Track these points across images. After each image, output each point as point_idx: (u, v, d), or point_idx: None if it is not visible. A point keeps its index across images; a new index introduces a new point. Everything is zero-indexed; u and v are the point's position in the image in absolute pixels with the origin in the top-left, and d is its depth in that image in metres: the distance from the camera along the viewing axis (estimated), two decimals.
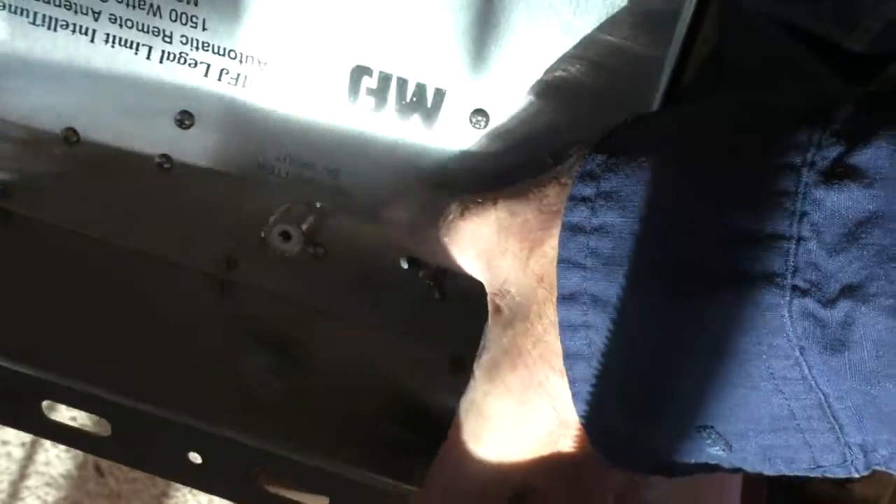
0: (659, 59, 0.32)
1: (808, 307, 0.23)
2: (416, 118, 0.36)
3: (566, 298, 0.27)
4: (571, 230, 0.27)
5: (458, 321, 0.37)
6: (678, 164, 0.26)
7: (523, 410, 0.29)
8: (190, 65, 0.37)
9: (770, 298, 0.23)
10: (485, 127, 0.35)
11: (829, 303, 0.23)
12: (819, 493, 0.93)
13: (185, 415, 0.34)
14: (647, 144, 0.26)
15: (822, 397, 0.24)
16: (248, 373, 0.38)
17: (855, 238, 0.23)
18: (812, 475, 0.27)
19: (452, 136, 0.36)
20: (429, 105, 0.35)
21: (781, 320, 0.23)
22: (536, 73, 0.34)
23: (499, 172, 0.36)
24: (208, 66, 0.37)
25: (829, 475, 0.26)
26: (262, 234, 0.37)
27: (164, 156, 0.39)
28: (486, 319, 0.32)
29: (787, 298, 0.23)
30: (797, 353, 0.23)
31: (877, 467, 0.25)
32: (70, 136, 0.39)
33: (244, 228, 0.39)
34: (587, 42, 0.33)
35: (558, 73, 0.34)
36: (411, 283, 0.37)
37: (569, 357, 0.27)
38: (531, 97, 0.35)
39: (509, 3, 0.33)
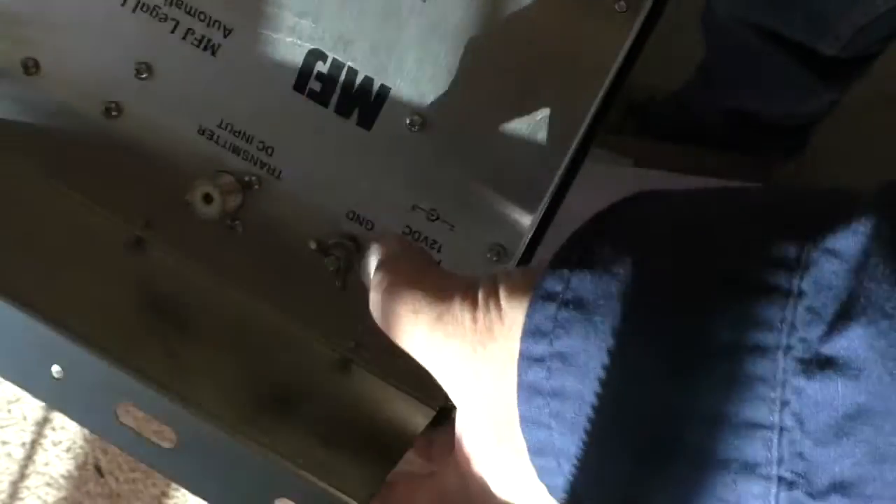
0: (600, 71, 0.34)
1: (796, 499, 0.22)
2: (357, 112, 0.37)
3: (536, 451, 0.26)
4: (528, 390, 0.25)
5: (350, 316, 0.38)
6: (639, 327, 0.24)
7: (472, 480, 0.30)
8: (160, 19, 0.38)
9: (757, 488, 0.22)
10: (420, 130, 0.36)
11: (819, 495, 0.22)
12: None
13: (56, 326, 0.33)
14: (602, 293, 0.24)
15: None
16: (142, 324, 0.38)
17: (844, 433, 0.21)
18: None
19: (389, 135, 0.37)
20: (371, 99, 0.37)
21: None
22: (477, 82, 0.36)
23: (433, 177, 0.37)
24: (177, 23, 0.38)
25: None
26: (187, 195, 0.38)
27: (113, 103, 0.40)
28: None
29: (774, 489, 0.22)
30: None
31: None
32: (30, 66, 0.40)
33: (170, 186, 0.39)
34: (526, 52, 0.35)
35: (498, 83, 0.35)
36: (317, 272, 0.38)
37: (551, 489, 0.27)
38: (470, 105, 0.36)
39: (457, 13, 0.35)
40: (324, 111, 0.37)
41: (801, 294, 0.22)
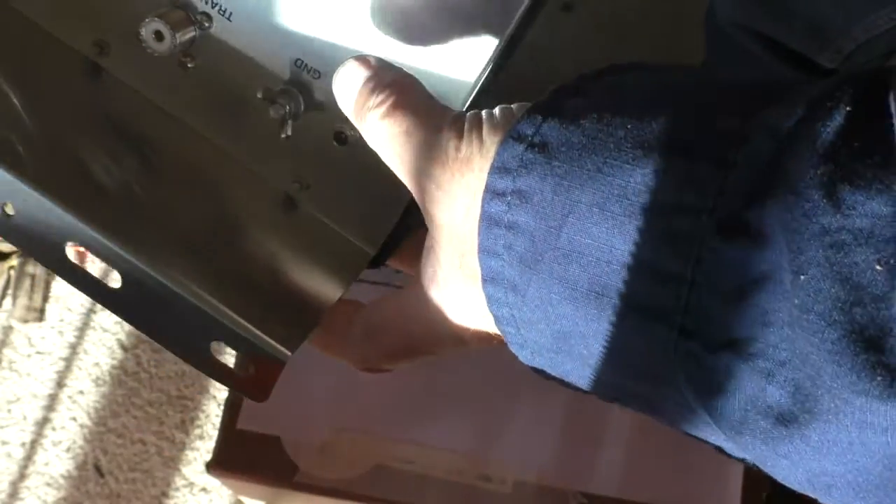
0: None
1: (692, 349, 0.24)
2: None
3: (489, 280, 0.29)
4: (489, 220, 0.28)
5: (299, 161, 0.39)
6: (588, 180, 0.26)
7: (441, 314, 0.32)
8: None
9: (660, 332, 0.25)
10: None
11: (712, 349, 0.24)
12: None
13: (7, 165, 0.33)
14: (565, 141, 0.27)
15: (705, 420, 0.26)
16: (96, 154, 0.38)
17: (744, 295, 0.23)
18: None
19: None
20: None
21: (668, 353, 0.25)
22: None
23: (383, 27, 0.37)
24: None
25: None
26: (139, 29, 0.38)
27: None
28: (323, 162, 0.37)
29: (675, 337, 0.24)
30: (680, 381, 0.25)
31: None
32: None
33: (123, 19, 0.39)
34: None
35: None
36: (265, 116, 0.38)
37: (498, 320, 0.29)
38: None
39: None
40: None
41: (734, 164, 0.24)
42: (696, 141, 0.25)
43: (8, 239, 0.35)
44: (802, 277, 0.22)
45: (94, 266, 0.71)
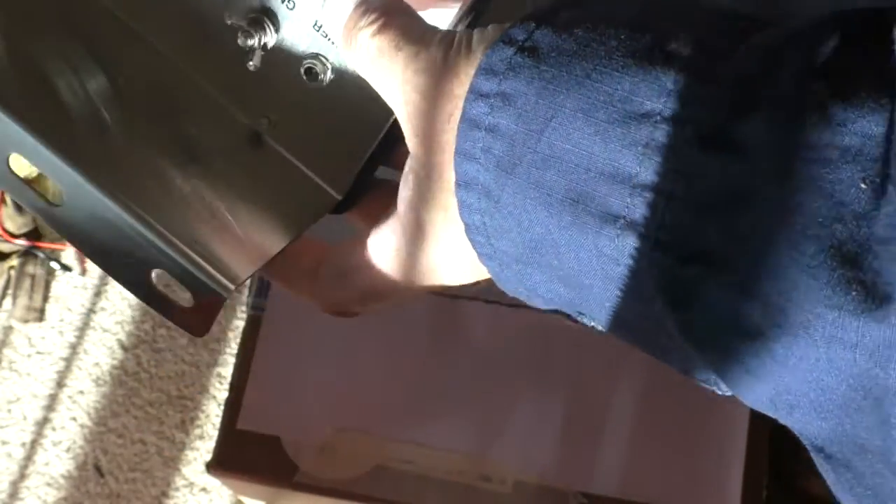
0: None
1: (665, 262, 0.24)
2: None
3: (462, 185, 0.28)
4: (469, 122, 0.28)
5: (267, 95, 0.38)
6: (574, 86, 0.26)
7: (415, 244, 0.32)
8: None
9: (638, 244, 0.25)
10: None
11: (683, 260, 0.24)
12: (819, 493, 0.93)
13: None
14: (556, 48, 0.27)
15: (673, 335, 0.26)
16: (57, 67, 0.37)
17: (719, 209, 0.23)
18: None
19: None
20: None
21: (641, 265, 0.25)
22: None
23: None
24: None
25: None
26: None
27: None
28: (292, 98, 0.36)
29: (649, 249, 0.24)
30: (655, 294, 0.25)
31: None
32: None
33: None
34: None
35: None
36: (234, 45, 0.37)
37: (468, 229, 0.29)
38: None
39: None
40: None
41: (721, 79, 0.24)
42: (685, 54, 0.25)
43: None
44: (784, 191, 0.22)
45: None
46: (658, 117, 0.24)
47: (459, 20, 0.36)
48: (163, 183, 0.36)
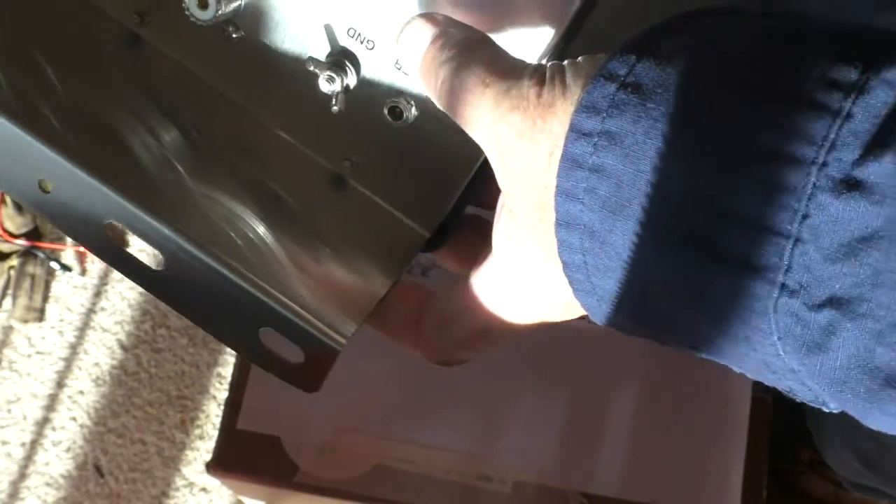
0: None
1: (793, 307, 0.23)
2: None
3: (564, 224, 0.27)
4: (571, 162, 0.26)
5: (349, 137, 0.37)
6: (688, 126, 0.25)
7: (517, 281, 0.31)
8: None
9: (759, 290, 0.24)
10: None
11: (815, 307, 0.23)
12: (819, 493, 0.93)
13: (40, 137, 0.32)
14: (662, 83, 0.25)
15: (795, 370, 0.25)
16: (136, 130, 0.37)
17: (853, 253, 0.22)
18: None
19: None
20: None
21: (766, 310, 0.24)
22: None
23: None
24: None
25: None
26: None
27: None
28: (375, 138, 0.35)
29: (776, 294, 0.23)
30: (775, 339, 0.24)
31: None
32: None
33: None
34: None
35: None
36: (314, 90, 0.36)
37: (567, 267, 0.28)
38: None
39: None
40: None
41: (849, 116, 0.23)
42: (807, 89, 0.23)
43: (45, 216, 0.34)
44: None
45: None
46: (781, 159, 0.23)
47: (550, 51, 0.34)
48: (257, 240, 0.35)
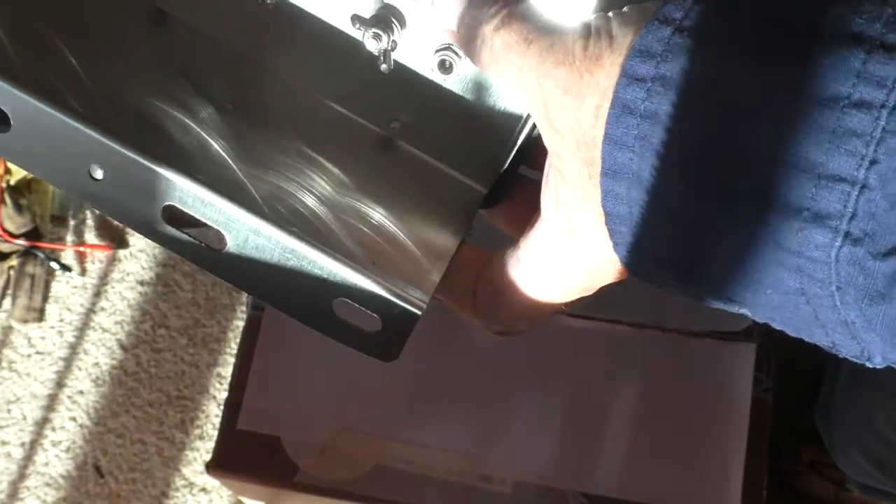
0: None
1: (856, 255, 0.23)
2: None
3: (610, 173, 0.26)
4: (622, 108, 0.25)
5: (398, 96, 0.35)
6: (750, 66, 0.23)
7: (571, 246, 0.30)
8: None
9: (821, 238, 0.23)
10: None
11: (880, 256, 0.22)
12: (820, 493, 0.93)
13: (89, 123, 0.31)
14: (721, 28, 0.24)
15: (850, 322, 0.24)
16: (173, 111, 0.35)
17: None
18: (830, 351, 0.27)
19: None
20: None
21: (827, 259, 0.23)
22: None
23: None
24: None
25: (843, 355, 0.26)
26: None
27: None
28: (424, 95, 0.33)
29: (838, 243, 0.23)
30: (833, 289, 0.23)
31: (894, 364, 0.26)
32: None
33: None
34: None
35: None
36: (358, 50, 0.34)
37: (610, 219, 0.27)
38: None
39: None
40: None
41: None
42: (875, 30, 0.22)
43: (96, 205, 0.32)
44: None
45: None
46: (846, 101, 0.22)
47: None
48: (314, 213, 0.34)
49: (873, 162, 0.22)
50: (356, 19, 0.34)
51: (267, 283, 0.32)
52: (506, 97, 0.33)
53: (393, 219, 0.35)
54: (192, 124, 0.34)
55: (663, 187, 0.25)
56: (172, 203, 0.31)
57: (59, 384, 1.11)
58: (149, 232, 0.32)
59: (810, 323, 0.25)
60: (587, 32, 0.27)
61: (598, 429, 0.71)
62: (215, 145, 0.34)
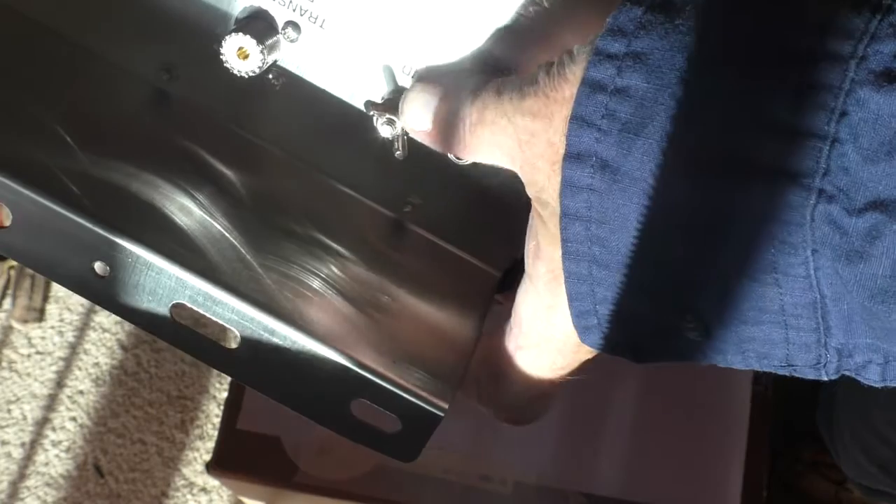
0: None
1: (831, 213, 0.22)
2: None
3: (573, 157, 0.25)
4: (591, 87, 0.24)
5: (410, 180, 0.34)
6: (717, 34, 0.23)
7: (553, 301, 0.28)
8: None
9: (794, 198, 0.22)
10: None
11: (856, 212, 0.22)
12: (820, 493, 0.93)
13: (94, 219, 0.29)
14: (689, 3, 0.24)
15: (819, 298, 0.23)
16: (178, 199, 0.33)
17: (892, 151, 0.21)
18: (780, 372, 0.25)
19: None
20: None
21: (801, 220, 0.22)
22: None
23: (498, 27, 0.32)
24: None
25: (797, 374, 0.25)
26: (216, 47, 0.33)
27: None
28: (436, 177, 0.32)
29: (812, 201, 0.22)
30: (808, 254, 0.23)
31: (846, 373, 0.25)
32: None
33: (192, 36, 0.34)
34: None
35: None
36: (369, 134, 0.33)
37: (566, 216, 0.26)
38: None
39: None
40: None
41: (889, 10, 0.21)
42: None
43: (101, 304, 0.30)
44: None
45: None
46: (813, 55, 0.22)
47: None
48: (328, 305, 0.32)
49: (843, 114, 0.21)
50: (370, 105, 0.33)
51: (282, 384, 0.31)
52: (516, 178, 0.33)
53: (409, 308, 0.34)
54: (198, 211, 0.33)
55: (628, 163, 0.24)
56: (182, 302, 0.30)
57: (60, 384, 1.11)
58: (157, 331, 0.31)
59: (777, 329, 0.24)
60: (550, 63, 0.26)
61: (598, 428, 0.71)
62: (224, 232, 0.33)
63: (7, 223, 0.30)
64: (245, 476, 0.73)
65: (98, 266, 0.30)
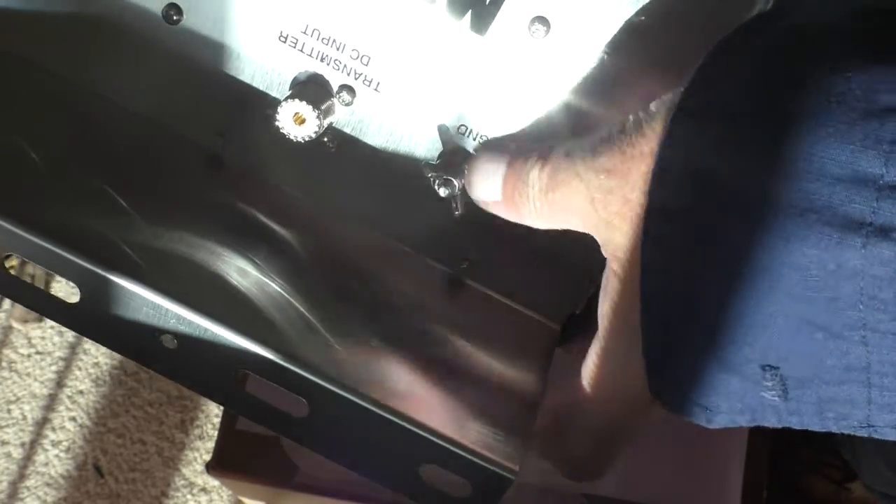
0: None
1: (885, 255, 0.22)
2: (469, 15, 0.31)
3: (657, 212, 0.25)
4: (675, 140, 0.24)
5: (467, 237, 0.34)
6: (801, 90, 0.23)
7: (627, 360, 0.28)
8: None
9: (888, 251, 0.22)
10: (544, 37, 0.31)
11: None
12: (820, 493, 0.92)
13: (164, 294, 0.29)
14: (735, 105, 0.24)
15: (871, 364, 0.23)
16: (237, 265, 0.33)
17: None
18: (857, 433, 0.25)
19: (506, 41, 0.31)
20: (486, 2, 0.31)
21: (893, 275, 0.22)
22: None
23: (554, 89, 0.32)
24: None
25: (875, 435, 0.25)
26: (269, 111, 0.33)
27: (173, 6, 0.34)
28: (495, 234, 0.32)
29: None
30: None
31: None
32: None
33: (246, 103, 0.34)
34: None
35: None
36: (426, 194, 0.33)
37: (646, 272, 0.26)
38: (600, 7, 0.30)
39: None
40: (430, 14, 0.31)
41: None
42: None
43: (167, 375, 0.31)
44: None
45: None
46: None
47: None
48: (394, 370, 0.32)
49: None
50: (427, 167, 0.33)
51: (351, 450, 0.31)
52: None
53: (473, 365, 0.34)
54: (257, 274, 0.33)
55: (710, 214, 0.24)
56: (248, 371, 0.30)
57: (60, 384, 1.11)
58: (225, 400, 0.31)
59: (856, 382, 0.23)
60: (622, 120, 0.26)
61: None
62: (285, 293, 0.32)
63: (74, 300, 0.30)
64: (245, 476, 0.73)
65: (166, 339, 0.30)
